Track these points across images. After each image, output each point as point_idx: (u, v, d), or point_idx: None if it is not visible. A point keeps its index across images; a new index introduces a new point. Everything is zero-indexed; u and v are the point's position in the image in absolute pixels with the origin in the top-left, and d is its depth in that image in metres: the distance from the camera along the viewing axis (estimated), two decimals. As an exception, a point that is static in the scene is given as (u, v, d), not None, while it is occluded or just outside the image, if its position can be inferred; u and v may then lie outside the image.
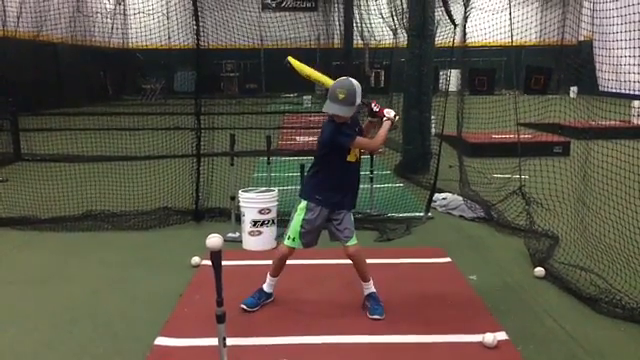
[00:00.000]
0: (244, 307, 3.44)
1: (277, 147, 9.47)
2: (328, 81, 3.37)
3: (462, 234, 5.23)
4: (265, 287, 3.55)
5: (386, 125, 3.34)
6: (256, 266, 4.17)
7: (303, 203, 3.38)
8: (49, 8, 12.17)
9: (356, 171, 3.41)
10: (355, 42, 16.50)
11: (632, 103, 11.26)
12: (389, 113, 3.36)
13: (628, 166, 4.31)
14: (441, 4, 6.54)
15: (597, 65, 7.28)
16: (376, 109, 3.39)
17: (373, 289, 3.48)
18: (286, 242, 3.44)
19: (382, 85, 19.61)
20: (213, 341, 2.72)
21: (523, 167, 5.83)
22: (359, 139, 3.26)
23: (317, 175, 3.38)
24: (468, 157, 7.39)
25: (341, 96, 3.15)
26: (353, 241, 3.39)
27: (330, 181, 3.34)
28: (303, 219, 3.36)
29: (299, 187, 4.78)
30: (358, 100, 3.22)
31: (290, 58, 3.48)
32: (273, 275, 3.54)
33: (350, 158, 3.32)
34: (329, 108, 3.19)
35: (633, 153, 4.31)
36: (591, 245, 4.19)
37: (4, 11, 11.88)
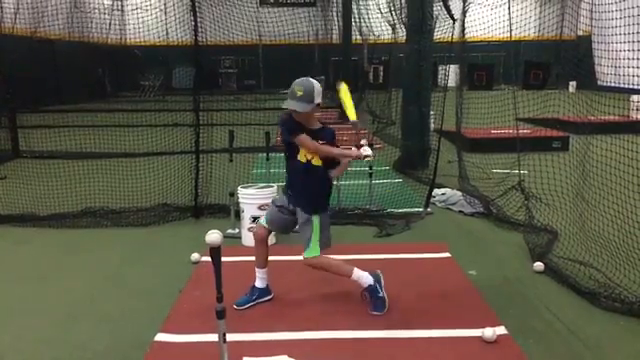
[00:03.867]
0: (235, 307, 3.43)
1: (276, 143, 9.43)
2: (352, 114, 3.37)
3: (461, 229, 5.23)
4: (257, 283, 3.55)
5: (351, 152, 3.24)
6: (256, 262, 4.17)
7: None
8: (46, 4, 12.14)
9: (305, 173, 3.34)
10: (354, 38, 16.46)
11: (631, 97, 11.26)
12: (366, 150, 3.25)
13: (627, 160, 4.31)
14: (440, -1, 6.53)
15: (596, 60, 7.28)
16: (362, 142, 3.29)
17: (365, 280, 3.41)
18: (261, 220, 3.60)
19: (381, 81, 19.59)
20: (213, 337, 2.72)
21: (522, 162, 5.83)
22: (303, 137, 3.24)
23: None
24: (467, 152, 7.38)
25: (299, 93, 3.21)
26: (307, 253, 3.37)
27: (287, 176, 3.46)
28: (272, 199, 3.63)
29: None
30: (317, 99, 3.23)
31: (344, 86, 3.48)
32: (260, 267, 3.54)
33: (300, 158, 3.32)
34: (288, 104, 3.25)
35: (632, 147, 4.32)
36: (590, 239, 4.19)
37: (1, 7, 11.84)
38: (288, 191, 3.46)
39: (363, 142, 3.31)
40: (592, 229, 4.28)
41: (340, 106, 3.39)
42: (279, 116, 3.42)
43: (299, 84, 3.26)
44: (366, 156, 3.23)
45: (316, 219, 3.35)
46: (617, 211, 4.10)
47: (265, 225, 3.53)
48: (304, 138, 3.25)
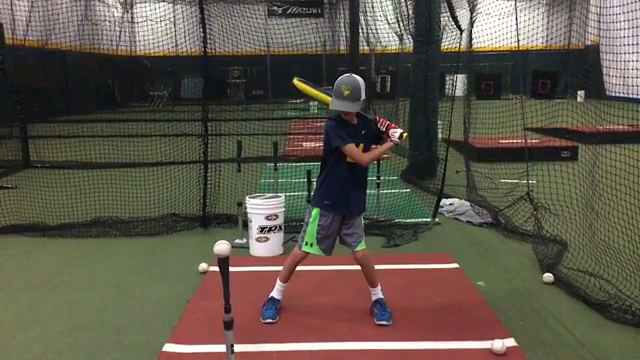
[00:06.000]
0: (270, 321, 3.41)
1: (284, 153, 9.49)
2: (330, 100, 3.35)
3: (470, 240, 5.21)
4: (275, 294, 3.53)
5: (387, 145, 3.29)
6: (263, 272, 4.18)
7: (315, 210, 3.38)
8: (57, 16, 12.30)
9: (361, 172, 3.38)
10: (361, 48, 16.53)
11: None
12: (394, 135, 3.26)
13: (636, 171, 4.29)
14: (447, 10, 6.55)
15: (604, 69, 7.27)
16: (382, 128, 3.32)
17: (381, 295, 3.48)
18: (304, 247, 3.41)
19: (388, 90, 19.63)
20: (221, 348, 2.72)
21: (531, 172, 5.80)
22: (350, 147, 3.22)
23: (325, 180, 3.37)
24: (475, 162, 7.37)
25: (346, 92, 3.16)
26: (361, 246, 3.38)
27: (337, 184, 3.33)
28: (318, 225, 3.36)
29: (306, 193, 4.81)
30: (363, 95, 3.21)
31: (295, 81, 3.48)
32: (283, 281, 3.53)
33: (351, 159, 3.31)
34: (335, 105, 3.21)
35: (642, 157, 4.29)
36: (600, 250, 4.16)
37: (13, 19, 12.02)
38: (332, 200, 3.33)
39: (395, 138, 3.29)
40: (602, 240, 4.25)
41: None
42: (326, 122, 3.35)
43: (345, 82, 3.19)
44: (400, 136, 3.25)
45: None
46: (627, 222, 4.07)
47: (313, 252, 3.40)
48: (350, 148, 3.22)
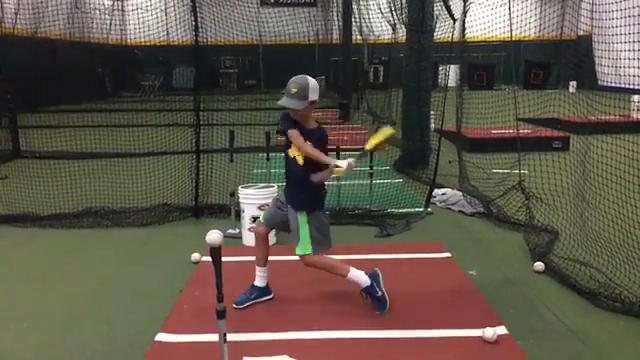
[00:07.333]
0: (234, 306, 3.42)
1: (276, 143, 9.43)
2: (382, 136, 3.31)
3: (462, 229, 5.23)
4: (257, 282, 3.55)
5: (330, 161, 3.17)
6: (256, 262, 4.17)
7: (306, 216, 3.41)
8: (47, 4, 12.15)
9: (294, 169, 3.33)
10: (354, 37, 16.47)
11: (631, 98, 11.26)
12: (340, 162, 3.14)
13: (627, 160, 4.31)
14: (440, -1, 6.53)
15: (596, 60, 7.28)
16: (366, 147, 3.28)
17: (356, 279, 3.39)
18: (260, 218, 3.67)
19: (381, 80, 19.59)
20: (213, 337, 2.72)
21: (522, 162, 5.83)
22: (294, 131, 3.23)
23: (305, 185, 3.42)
24: (467, 152, 7.38)
25: (293, 90, 3.21)
26: (300, 250, 3.35)
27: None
28: (275, 197, 3.67)
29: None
30: (312, 97, 3.22)
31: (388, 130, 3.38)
32: (260, 265, 3.54)
33: (291, 153, 3.32)
34: (282, 101, 3.25)
35: (632, 147, 4.32)
36: (590, 239, 4.19)
37: (2, 8, 11.86)
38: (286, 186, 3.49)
39: (341, 162, 3.15)
40: (592, 229, 4.28)
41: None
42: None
43: (293, 81, 3.26)
44: (336, 166, 3.14)
45: (302, 216, 3.34)
46: (617, 211, 4.10)
47: (263, 222, 3.54)
48: (294, 133, 3.25)
